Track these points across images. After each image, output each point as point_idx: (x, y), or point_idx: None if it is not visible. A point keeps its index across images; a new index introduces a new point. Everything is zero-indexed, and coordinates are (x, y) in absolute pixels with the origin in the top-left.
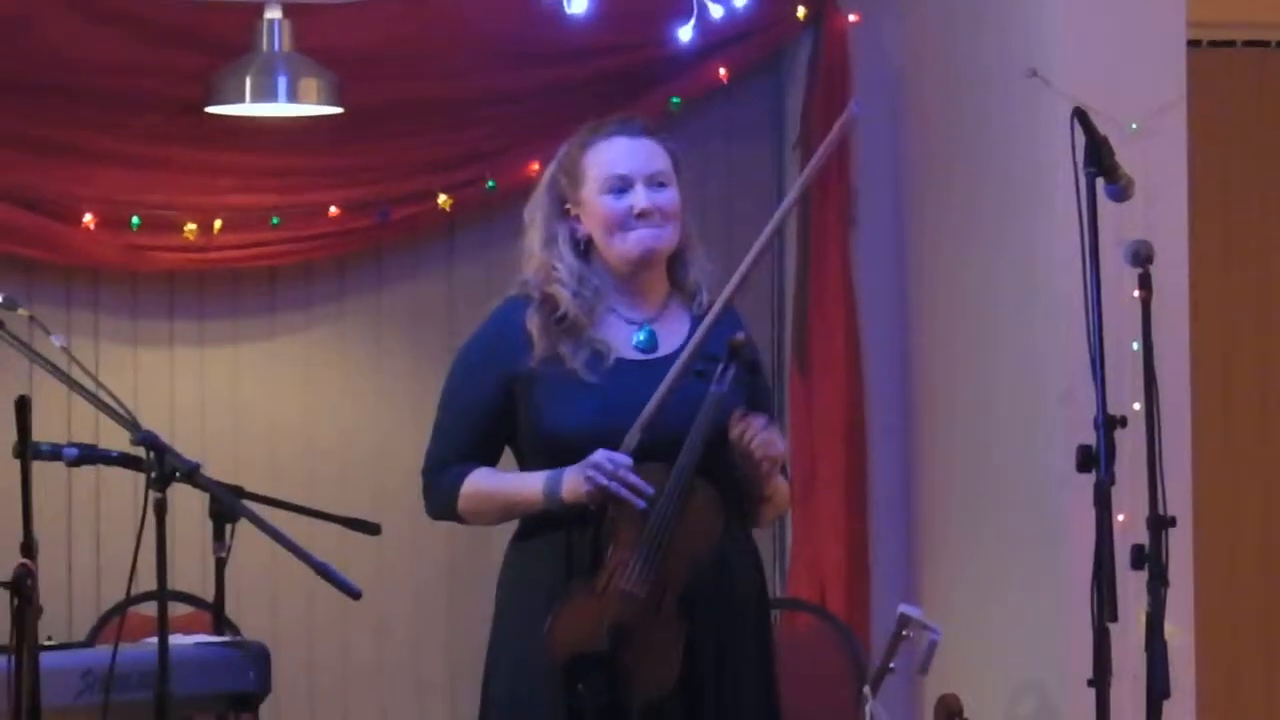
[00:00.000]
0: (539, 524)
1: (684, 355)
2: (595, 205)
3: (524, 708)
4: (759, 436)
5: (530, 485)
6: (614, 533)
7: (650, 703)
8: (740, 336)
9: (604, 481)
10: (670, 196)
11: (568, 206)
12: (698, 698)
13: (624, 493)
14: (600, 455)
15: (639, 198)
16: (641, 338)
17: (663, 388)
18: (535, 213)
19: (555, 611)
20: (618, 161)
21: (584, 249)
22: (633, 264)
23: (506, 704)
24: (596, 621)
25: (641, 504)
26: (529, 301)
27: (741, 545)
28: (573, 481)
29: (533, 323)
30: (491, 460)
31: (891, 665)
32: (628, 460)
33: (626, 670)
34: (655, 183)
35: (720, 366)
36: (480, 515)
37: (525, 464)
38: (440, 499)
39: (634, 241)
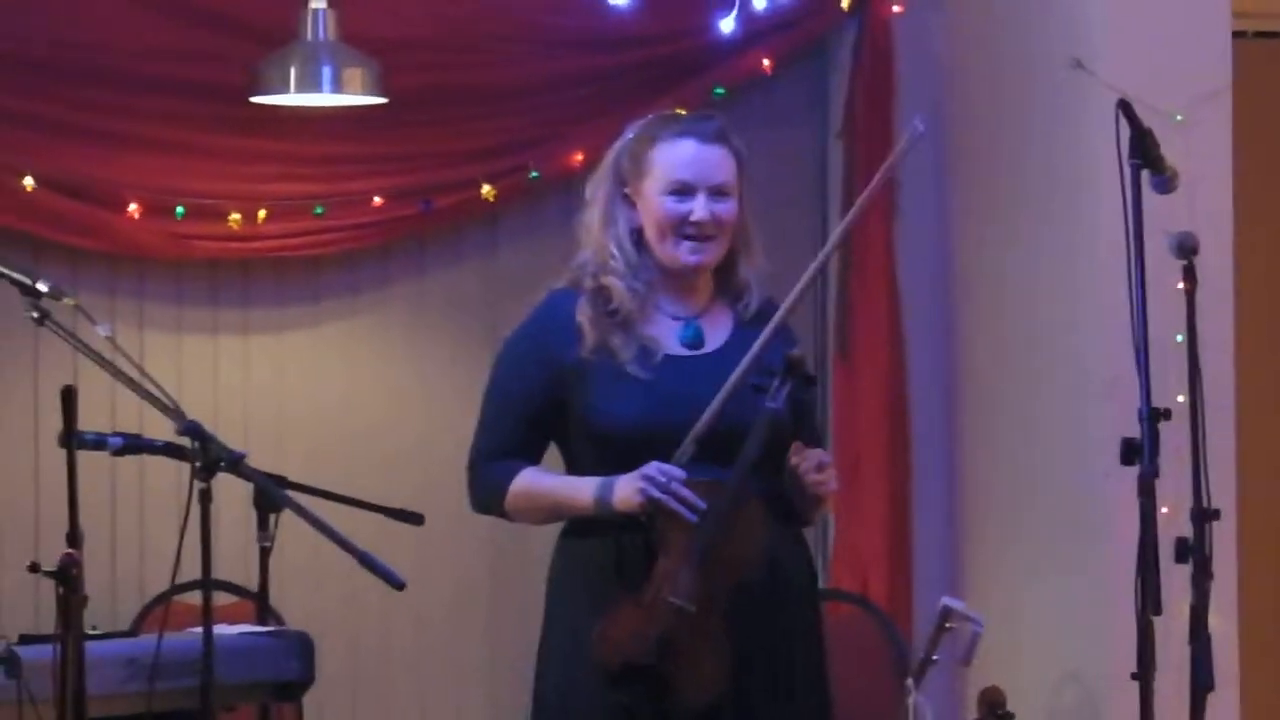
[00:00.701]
0: (591, 523)
1: (740, 367)
2: (654, 203)
3: (576, 710)
4: (813, 476)
5: (581, 491)
6: (664, 544)
7: (698, 713)
8: (797, 352)
9: (656, 494)
10: (729, 208)
11: (627, 191)
12: (749, 705)
13: (675, 506)
14: (653, 467)
15: (699, 208)
16: (688, 334)
17: (718, 399)
18: (597, 190)
19: (603, 623)
20: (685, 166)
21: (637, 237)
22: (679, 270)
23: (558, 707)
24: (644, 633)
25: (692, 518)
26: (578, 292)
27: (791, 547)
28: (624, 491)
29: (584, 314)
30: (538, 454)
31: (934, 657)
32: (680, 473)
33: (672, 681)
34: (717, 193)
35: (776, 382)
36: (527, 514)
37: (572, 457)
38: (486, 494)
39: (684, 252)
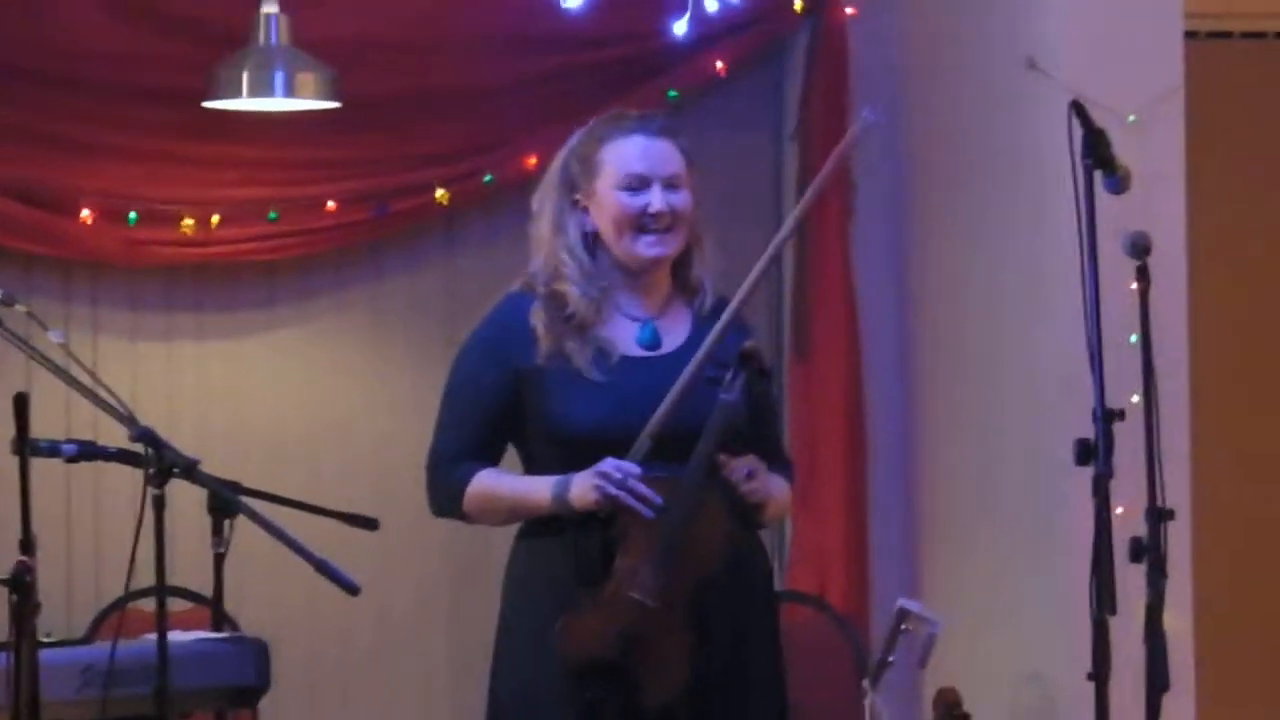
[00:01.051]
0: (546, 522)
1: (695, 361)
2: (609, 200)
3: (536, 710)
4: (744, 486)
5: (538, 490)
6: (624, 540)
7: (660, 708)
8: (750, 344)
9: (612, 491)
10: (684, 199)
11: (578, 197)
12: (707, 700)
13: (632, 502)
14: (609, 464)
15: (655, 198)
16: (645, 335)
17: (673, 394)
18: (545, 201)
19: (565, 620)
20: (636, 160)
21: (590, 242)
22: (640, 265)
23: (518, 707)
24: (606, 630)
25: (650, 514)
26: (533, 296)
27: (750, 544)
28: (581, 488)
29: (538, 319)
30: (496, 455)
31: (891, 658)
32: (636, 469)
33: (636, 677)
34: (670, 185)
35: (730, 374)
36: (486, 516)
37: (532, 460)
38: (445, 497)
39: (644, 245)
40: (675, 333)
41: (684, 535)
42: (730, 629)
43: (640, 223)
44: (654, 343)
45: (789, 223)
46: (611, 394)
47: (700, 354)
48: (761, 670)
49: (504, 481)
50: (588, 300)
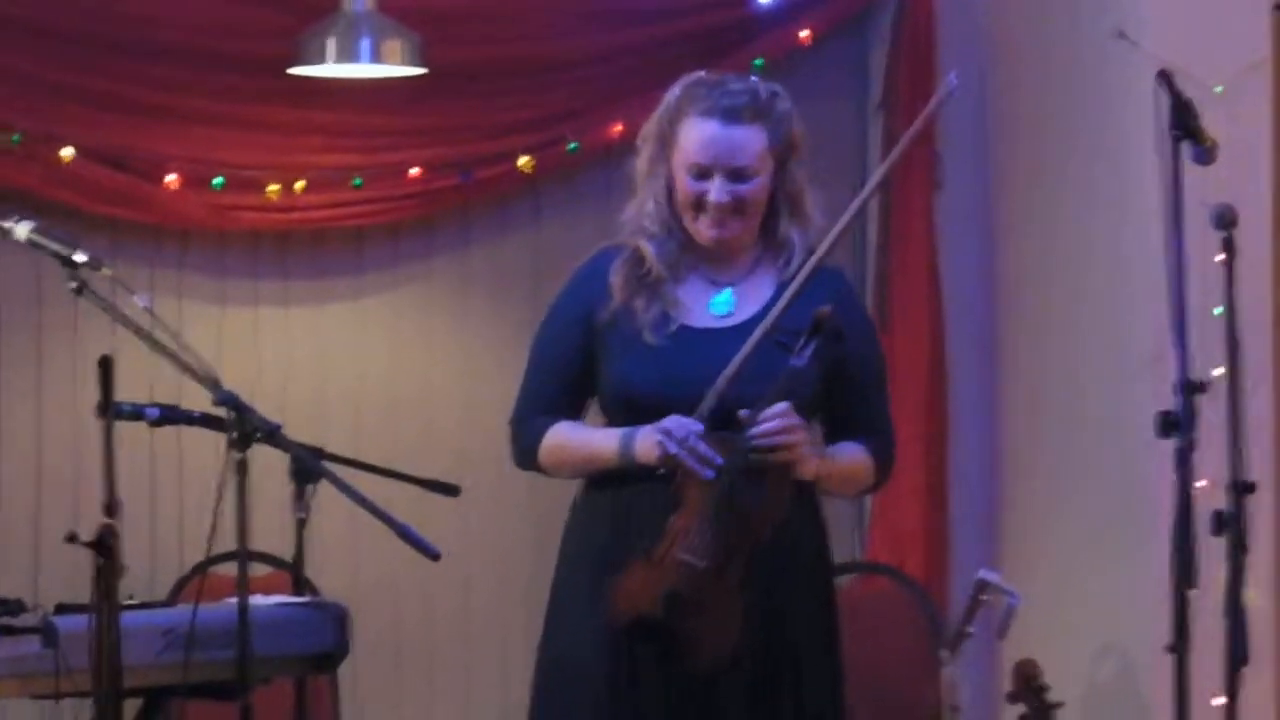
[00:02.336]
0: (601, 481)
1: (762, 327)
2: (678, 177)
3: (581, 670)
4: (764, 441)
5: (607, 442)
6: (681, 499)
7: (706, 671)
8: (825, 309)
9: (673, 449)
10: (750, 189)
11: (668, 150)
12: (759, 665)
13: (692, 462)
14: (672, 421)
15: (715, 190)
16: (720, 301)
17: (739, 356)
18: (647, 137)
19: (616, 578)
20: (702, 149)
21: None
22: (702, 242)
23: (564, 667)
24: (654, 589)
25: (708, 474)
26: (621, 249)
27: (807, 511)
28: (645, 443)
29: (617, 273)
30: (577, 410)
31: (969, 629)
32: (698, 427)
33: (684, 639)
34: (737, 175)
35: (803, 340)
36: (561, 468)
37: (605, 416)
38: (524, 450)
39: (703, 226)
40: (757, 298)
41: (741, 498)
42: (779, 596)
43: (699, 205)
44: (730, 310)
45: (871, 183)
46: (663, 361)
47: (766, 321)
48: (812, 642)
49: (577, 433)
50: (664, 257)
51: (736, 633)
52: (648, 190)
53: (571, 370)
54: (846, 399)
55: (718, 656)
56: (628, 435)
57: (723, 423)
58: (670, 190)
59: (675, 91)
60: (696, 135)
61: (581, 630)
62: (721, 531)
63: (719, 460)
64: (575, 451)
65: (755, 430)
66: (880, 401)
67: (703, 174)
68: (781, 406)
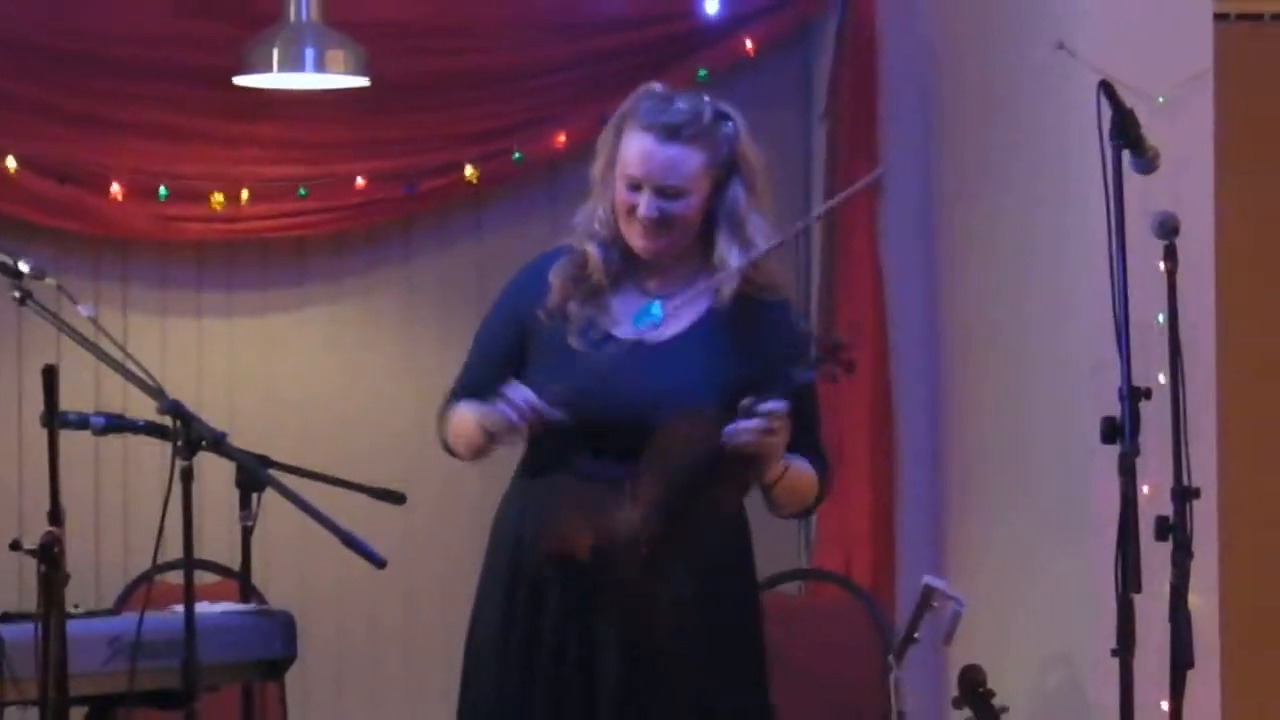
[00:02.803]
0: (524, 470)
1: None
2: (617, 183)
3: (503, 659)
4: (745, 435)
5: (472, 415)
6: (643, 468)
7: (615, 650)
8: (845, 340)
9: (508, 412)
10: (678, 207)
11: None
12: (667, 662)
13: (509, 415)
14: (512, 389)
15: (643, 204)
16: (642, 315)
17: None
18: (603, 145)
19: (553, 515)
20: (636, 162)
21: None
22: (636, 250)
23: (483, 661)
24: (586, 536)
25: (515, 417)
26: (568, 252)
27: (738, 524)
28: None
29: (557, 274)
30: None
31: (916, 636)
32: (529, 395)
33: (599, 594)
34: (667, 194)
35: (814, 355)
36: (460, 445)
37: None
38: (439, 429)
39: (634, 236)
40: (687, 315)
41: (700, 479)
42: (687, 591)
43: (631, 216)
44: (654, 325)
45: (790, 232)
46: (583, 369)
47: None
48: (731, 636)
49: (463, 407)
50: (606, 265)
51: (650, 614)
52: (600, 196)
53: (501, 364)
54: (799, 423)
55: (625, 626)
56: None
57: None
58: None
59: (628, 100)
60: (634, 148)
61: (495, 616)
62: (671, 502)
63: (556, 415)
64: (459, 425)
65: (745, 423)
66: (819, 428)
67: (635, 186)
68: (779, 406)
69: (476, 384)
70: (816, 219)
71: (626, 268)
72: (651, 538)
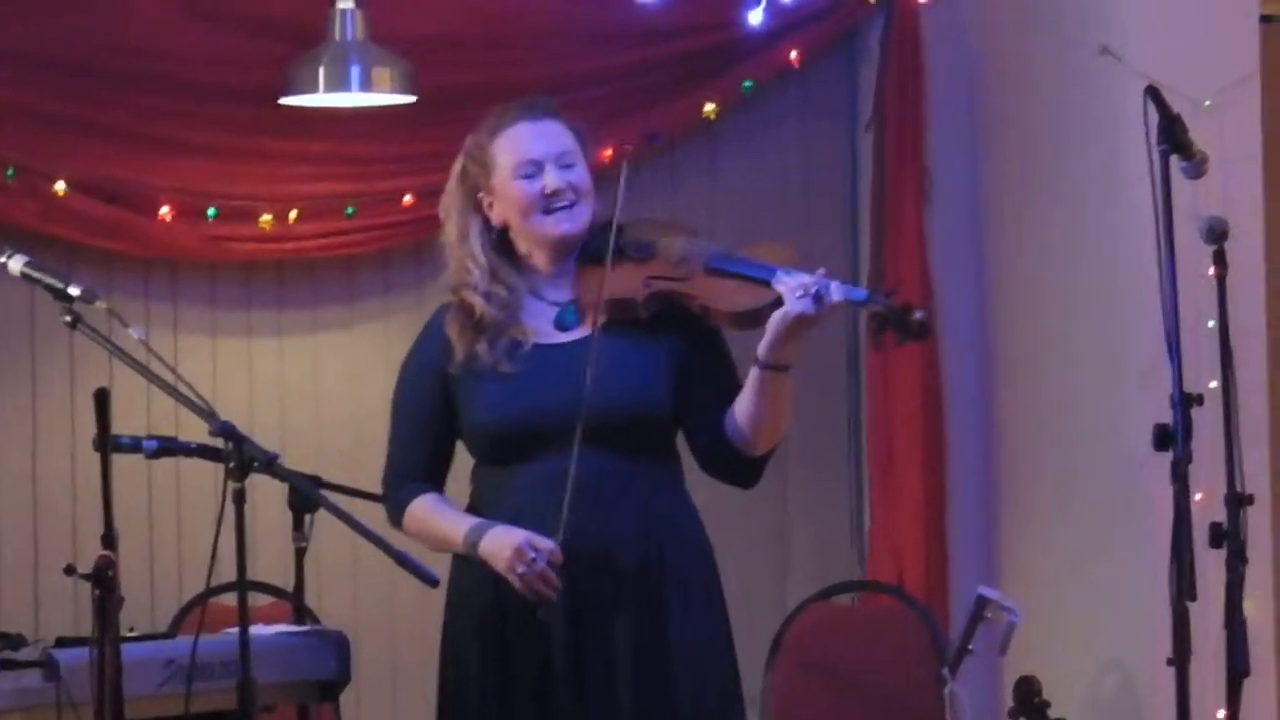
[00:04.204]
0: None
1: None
2: (509, 190)
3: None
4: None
5: (456, 532)
6: None
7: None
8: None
9: (520, 569)
10: (580, 174)
11: (480, 196)
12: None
13: (530, 589)
14: (526, 543)
15: (550, 178)
16: (562, 317)
17: (587, 368)
18: (450, 207)
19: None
20: (525, 147)
21: (499, 240)
22: (553, 246)
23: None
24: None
25: (549, 595)
26: (449, 309)
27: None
28: (493, 553)
29: (451, 327)
30: (442, 467)
31: (970, 647)
32: (550, 546)
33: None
34: (563, 163)
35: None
36: (423, 541)
37: (477, 453)
38: (392, 517)
39: (553, 223)
40: (601, 316)
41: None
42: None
43: (544, 205)
44: (573, 324)
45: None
46: (522, 384)
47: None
48: (694, 652)
49: (435, 514)
50: (493, 301)
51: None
52: (462, 248)
53: (434, 422)
54: (727, 374)
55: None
56: (476, 531)
57: (600, 434)
58: (489, 237)
59: (470, 138)
60: (516, 139)
61: (468, 687)
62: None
63: (557, 590)
64: (431, 531)
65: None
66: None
67: (535, 169)
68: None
69: (417, 459)
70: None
71: (515, 292)
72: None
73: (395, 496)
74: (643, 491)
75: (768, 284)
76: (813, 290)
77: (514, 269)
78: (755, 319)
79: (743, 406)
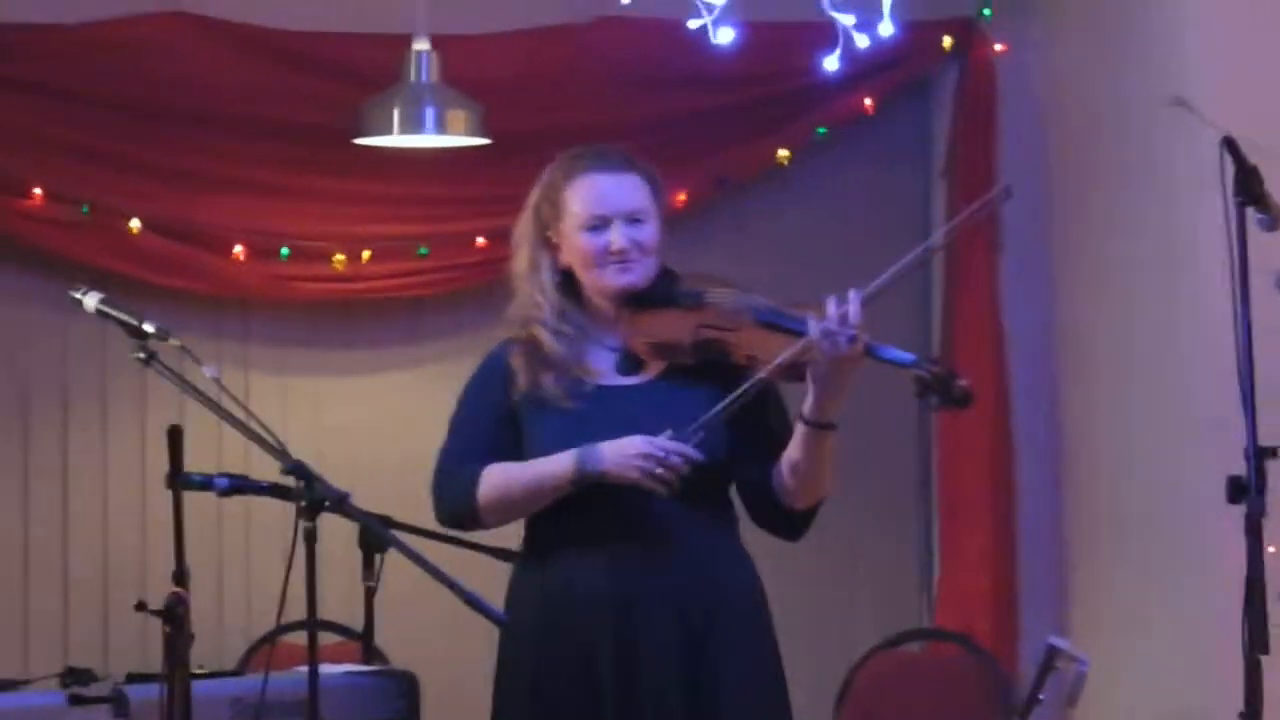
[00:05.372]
0: (544, 551)
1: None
2: (574, 240)
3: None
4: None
5: (559, 462)
6: None
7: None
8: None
9: (659, 472)
10: (648, 232)
11: (549, 234)
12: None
13: (661, 484)
14: (648, 439)
15: (616, 236)
16: (622, 362)
17: (727, 400)
18: (522, 237)
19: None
20: (595, 200)
21: (566, 279)
22: (612, 296)
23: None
24: None
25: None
26: (515, 342)
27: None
28: (620, 464)
29: (516, 359)
30: (505, 459)
31: (1040, 697)
32: (687, 449)
33: None
34: (633, 220)
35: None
36: (499, 506)
37: None
38: (455, 494)
39: (611, 275)
40: (656, 361)
41: None
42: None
43: (603, 260)
44: (633, 369)
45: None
46: (585, 421)
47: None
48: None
49: (517, 466)
50: (560, 338)
51: None
52: (531, 283)
53: (498, 430)
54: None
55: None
56: (587, 452)
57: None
58: (556, 276)
59: (547, 173)
60: (587, 190)
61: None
62: None
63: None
64: (520, 480)
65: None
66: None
67: (600, 225)
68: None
69: (482, 445)
70: (933, 248)
71: (579, 335)
72: None
73: (460, 473)
74: (702, 538)
75: (804, 334)
76: (838, 331)
77: (579, 311)
78: (798, 371)
79: (787, 461)
